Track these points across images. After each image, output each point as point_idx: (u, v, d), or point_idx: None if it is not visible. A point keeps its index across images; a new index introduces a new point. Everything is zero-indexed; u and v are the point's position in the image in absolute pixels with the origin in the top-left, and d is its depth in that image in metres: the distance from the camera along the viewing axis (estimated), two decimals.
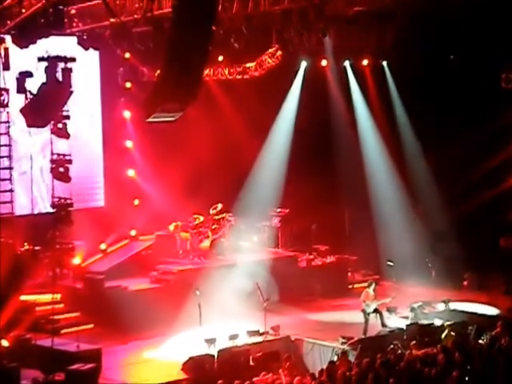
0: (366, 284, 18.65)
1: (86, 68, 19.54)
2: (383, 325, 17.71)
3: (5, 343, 15.87)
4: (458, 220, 21.71)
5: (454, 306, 18.76)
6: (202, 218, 20.91)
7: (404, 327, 17.31)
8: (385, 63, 23.23)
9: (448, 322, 16.62)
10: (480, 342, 15.38)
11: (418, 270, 20.37)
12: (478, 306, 18.94)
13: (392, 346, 15.13)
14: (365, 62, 23.17)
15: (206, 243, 20.78)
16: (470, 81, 20.95)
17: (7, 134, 18.29)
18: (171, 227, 20.79)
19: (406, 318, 18.18)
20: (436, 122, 21.69)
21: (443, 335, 16.00)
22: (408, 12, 17.76)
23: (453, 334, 15.95)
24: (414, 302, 18.45)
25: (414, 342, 15.36)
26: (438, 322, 17.45)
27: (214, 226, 20.97)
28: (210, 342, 16.42)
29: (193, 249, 20.66)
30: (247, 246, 21.45)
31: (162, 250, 20.81)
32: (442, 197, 22.01)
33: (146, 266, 20.24)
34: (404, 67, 22.12)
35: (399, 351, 14.86)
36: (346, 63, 23.29)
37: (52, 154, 18.13)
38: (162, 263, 20.24)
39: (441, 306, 18.74)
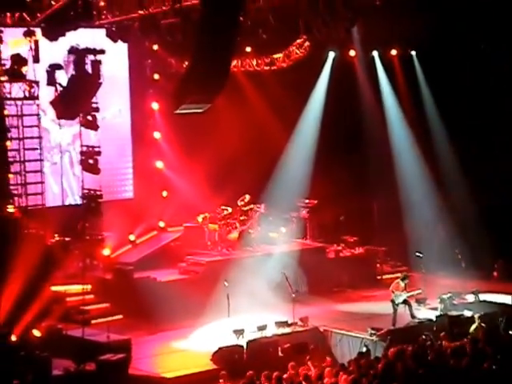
0: (398, 275, 18.60)
1: (115, 60, 19.66)
2: (412, 316, 17.64)
3: (37, 333, 16.05)
4: (487, 209, 21.54)
5: (483, 296, 18.63)
6: (230, 210, 20.94)
7: (433, 318, 17.23)
8: (414, 53, 23.06)
9: (478, 314, 16.49)
10: (510, 333, 15.26)
11: (448, 261, 20.24)
12: (509, 297, 18.77)
13: (424, 337, 15.06)
14: (393, 52, 23.02)
15: (235, 234, 20.82)
16: (501, 70, 20.73)
17: (38, 126, 18.48)
18: (199, 218, 20.85)
19: (436, 309, 18.09)
20: (465, 112, 21.51)
21: (473, 327, 15.90)
22: (436, 0, 17.62)
23: (483, 325, 15.84)
24: (443, 293, 18.33)
25: (443, 332, 15.26)
26: (467, 313, 17.34)
27: (242, 218, 21.00)
28: (239, 332, 16.47)
29: (221, 240, 20.71)
30: (275, 237, 21.44)
31: (191, 241, 20.88)
32: (471, 186, 21.83)
33: (175, 257, 20.33)
34: (433, 57, 21.94)
35: (429, 342, 14.79)
36: (375, 53, 23.15)
37: (81, 145, 18.32)
38: (191, 254, 20.32)
39: (470, 297, 18.62)
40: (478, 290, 18.79)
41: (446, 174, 22.40)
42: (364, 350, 15.67)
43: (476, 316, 16.37)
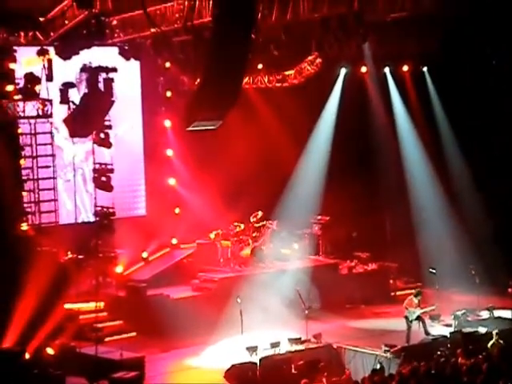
0: (411, 291, 18.51)
1: (127, 78, 19.78)
2: (426, 332, 17.54)
3: (50, 351, 16.06)
4: (502, 226, 21.43)
5: (498, 313, 18.49)
6: (242, 226, 20.95)
7: (447, 335, 17.12)
8: (425, 69, 23.06)
9: (495, 330, 16.36)
10: None
11: (461, 277, 20.12)
12: None
13: (439, 353, 14.93)
14: (405, 68, 23.03)
15: (247, 251, 20.81)
16: None
17: (51, 144, 18.60)
18: (212, 235, 20.86)
19: (450, 325, 17.97)
20: (477, 128, 21.45)
21: (490, 343, 15.78)
22: (448, 16, 17.63)
23: (500, 342, 15.72)
24: (457, 309, 18.23)
25: (460, 349, 15.14)
26: (482, 330, 17.21)
27: (254, 234, 21.00)
28: (252, 349, 16.40)
29: (234, 257, 20.70)
30: (288, 254, 21.42)
31: (203, 258, 20.89)
32: (484, 202, 21.74)
33: (188, 274, 20.34)
34: (445, 72, 21.93)
35: (442, 359, 14.68)
36: (386, 69, 23.17)
37: (94, 163, 18.41)
38: (204, 271, 20.32)
39: (485, 314, 18.48)
40: (493, 306, 18.65)
41: (460, 190, 22.32)
42: (378, 366, 15.57)
43: (494, 332, 16.24)
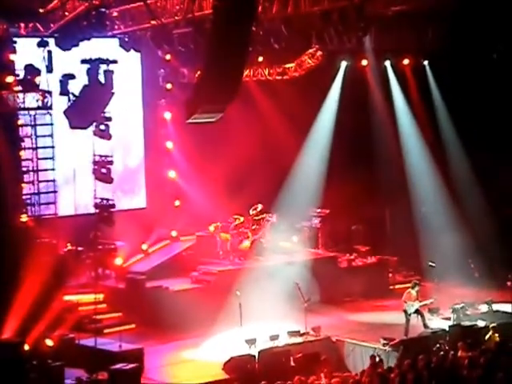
0: (409, 285, 18.54)
1: (128, 70, 19.78)
2: (425, 326, 17.57)
3: (49, 343, 16.08)
4: (501, 220, 21.44)
5: (497, 306, 18.53)
6: (242, 219, 20.96)
7: (446, 328, 17.14)
8: (426, 63, 23.04)
9: (492, 324, 16.39)
10: None
11: (461, 271, 20.15)
12: None
13: (438, 346, 14.94)
14: (406, 62, 23.01)
15: (246, 244, 20.83)
16: None
17: (51, 135, 18.58)
18: (211, 228, 20.87)
19: (448, 319, 18.00)
20: (478, 122, 21.44)
21: (486, 337, 15.80)
22: (449, 10, 17.62)
23: (496, 335, 15.75)
24: (456, 303, 18.25)
25: (461, 342, 15.16)
26: (480, 324, 17.25)
27: (254, 227, 21.01)
28: (251, 342, 16.45)
29: (233, 249, 20.71)
30: (287, 247, 21.44)
31: (203, 250, 20.91)
32: (484, 197, 21.75)
33: (187, 267, 20.35)
34: (446, 66, 21.92)
35: (441, 352, 14.71)
36: (387, 63, 23.15)
37: (94, 155, 18.38)
38: (203, 264, 20.34)
39: (484, 307, 18.52)
40: (492, 299, 18.68)
41: (461, 183, 22.33)
42: (377, 360, 15.58)
43: (490, 326, 16.27)
